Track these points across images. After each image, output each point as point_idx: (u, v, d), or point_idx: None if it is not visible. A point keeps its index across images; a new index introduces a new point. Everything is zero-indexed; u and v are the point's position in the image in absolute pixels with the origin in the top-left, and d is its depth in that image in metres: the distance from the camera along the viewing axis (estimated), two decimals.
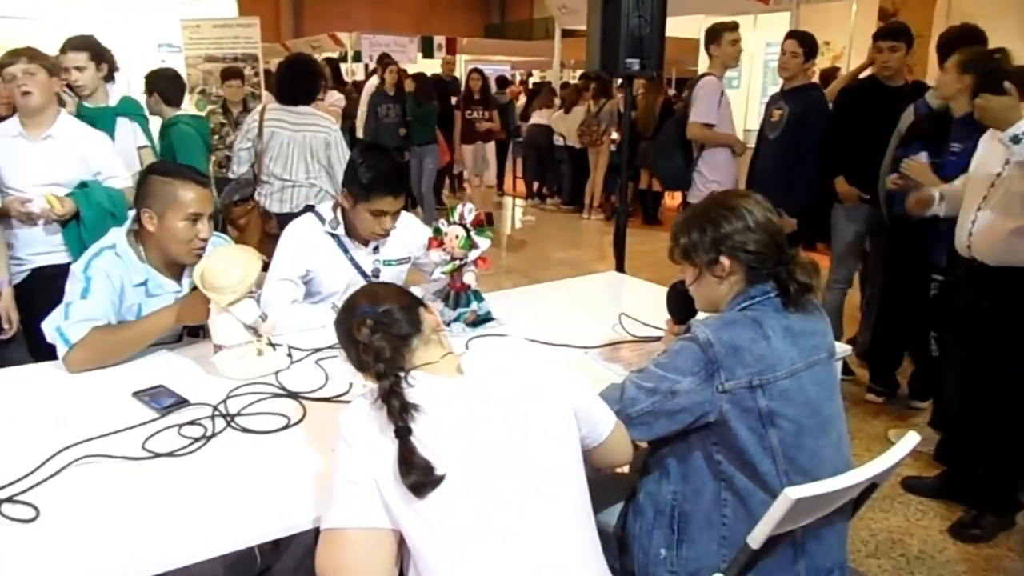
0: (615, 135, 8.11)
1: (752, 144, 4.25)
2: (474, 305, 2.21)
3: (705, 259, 1.51)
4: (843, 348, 2.02)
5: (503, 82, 11.28)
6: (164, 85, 3.96)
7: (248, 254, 1.92)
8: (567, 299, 2.73)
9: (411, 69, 8.55)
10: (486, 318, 2.24)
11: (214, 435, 1.57)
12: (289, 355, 1.96)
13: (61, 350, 1.85)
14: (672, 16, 3.68)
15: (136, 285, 1.99)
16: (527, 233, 8.42)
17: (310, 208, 2.44)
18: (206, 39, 6.39)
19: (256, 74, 6.39)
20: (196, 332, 2.14)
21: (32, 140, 2.63)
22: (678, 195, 5.24)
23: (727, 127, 4.13)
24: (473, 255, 2.14)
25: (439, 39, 13.70)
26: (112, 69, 3.28)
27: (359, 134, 7.22)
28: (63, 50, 3.16)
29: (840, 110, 3.79)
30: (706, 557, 1.45)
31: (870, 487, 1.45)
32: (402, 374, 1.20)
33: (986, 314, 2.50)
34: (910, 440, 1.45)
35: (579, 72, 11.56)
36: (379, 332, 1.24)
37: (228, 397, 1.72)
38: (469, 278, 2.18)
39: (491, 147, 7.81)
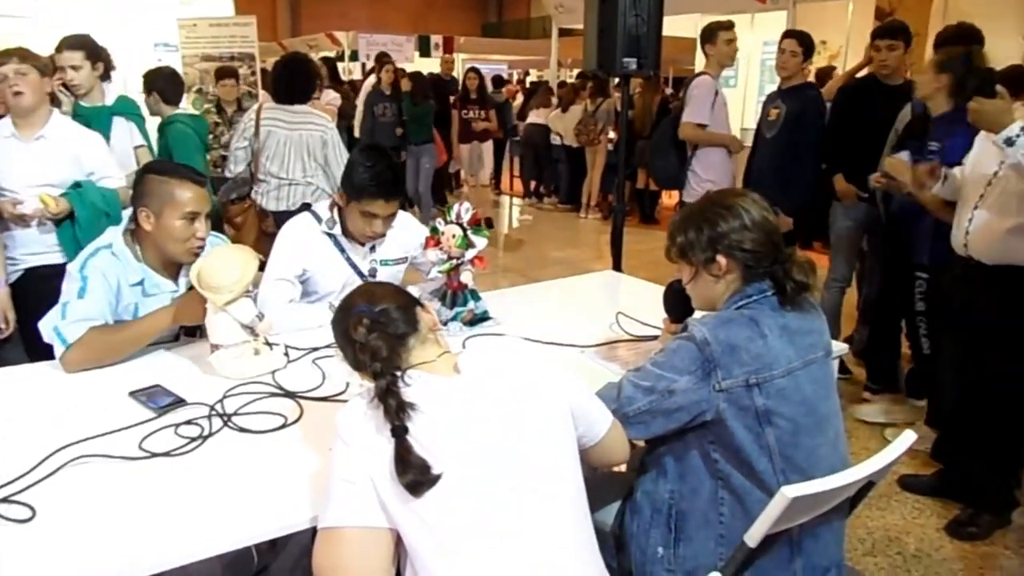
0: (612, 134, 8.11)
1: (749, 143, 4.25)
2: (471, 304, 2.21)
3: (702, 258, 1.51)
4: (840, 347, 2.02)
5: (499, 81, 11.26)
6: (163, 84, 3.95)
7: (244, 253, 1.91)
8: (564, 298, 2.73)
9: (408, 68, 8.53)
10: (483, 317, 2.24)
11: (211, 435, 1.57)
12: (286, 354, 1.96)
13: (58, 350, 1.85)
14: (669, 15, 3.69)
15: (133, 285, 1.98)
16: (524, 232, 8.41)
17: (307, 206, 2.44)
18: (203, 38, 6.38)
19: (253, 73, 6.37)
20: (193, 332, 2.13)
21: (24, 141, 2.62)
22: (675, 194, 5.23)
23: (722, 126, 4.12)
24: (470, 254, 2.14)
25: (436, 38, 13.71)
26: (108, 68, 3.28)
27: (356, 133, 7.22)
28: (59, 49, 3.16)
29: (839, 108, 3.79)
30: (703, 555, 1.45)
31: (867, 485, 1.45)
32: (399, 373, 1.20)
33: (983, 313, 2.51)
34: (907, 438, 1.45)
35: (576, 71, 11.54)
36: (376, 331, 1.24)
37: (225, 397, 1.72)
38: (466, 277, 2.18)
39: (488, 147, 7.80)
